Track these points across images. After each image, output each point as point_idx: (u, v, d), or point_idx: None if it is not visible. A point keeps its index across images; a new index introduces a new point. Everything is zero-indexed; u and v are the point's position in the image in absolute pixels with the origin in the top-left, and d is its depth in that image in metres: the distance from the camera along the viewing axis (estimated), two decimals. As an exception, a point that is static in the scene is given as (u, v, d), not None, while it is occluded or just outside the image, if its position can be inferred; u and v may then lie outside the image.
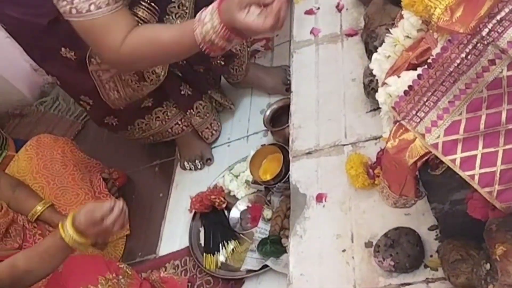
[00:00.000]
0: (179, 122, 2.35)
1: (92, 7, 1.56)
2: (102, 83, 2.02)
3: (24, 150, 2.18)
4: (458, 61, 1.10)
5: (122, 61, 1.69)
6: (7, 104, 3.21)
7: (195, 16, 1.63)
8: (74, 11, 1.57)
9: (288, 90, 2.25)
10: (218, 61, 2.26)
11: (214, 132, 2.44)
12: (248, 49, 2.36)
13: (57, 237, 1.60)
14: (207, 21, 1.52)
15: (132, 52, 1.64)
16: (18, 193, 2.02)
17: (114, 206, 1.61)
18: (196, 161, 2.41)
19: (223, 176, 2.25)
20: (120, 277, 1.83)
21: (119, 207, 1.61)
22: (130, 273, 1.91)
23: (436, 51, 1.15)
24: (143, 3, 1.90)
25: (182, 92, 2.29)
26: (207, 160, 2.41)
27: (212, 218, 2.16)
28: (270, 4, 1.42)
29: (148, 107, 2.24)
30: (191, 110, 2.33)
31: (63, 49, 1.93)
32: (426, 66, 1.15)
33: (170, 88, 2.25)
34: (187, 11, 2.05)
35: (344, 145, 1.77)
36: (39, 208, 1.99)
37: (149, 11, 1.92)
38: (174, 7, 2.02)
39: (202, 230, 2.17)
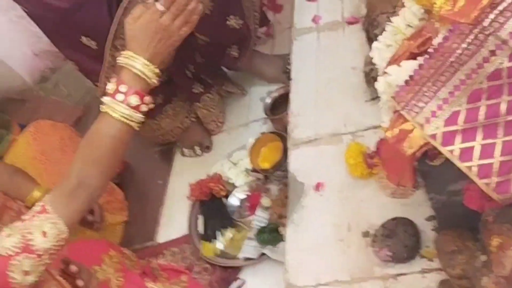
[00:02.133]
0: (187, 115, 2.35)
1: None
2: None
3: (23, 136, 2.18)
4: (459, 51, 1.09)
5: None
6: (8, 89, 3.20)
7: None
8: None
9: (289, 78, 2.23)
10: (232, 53, 2.26)
11: (219, 124, 2.44)
12: (255, 36, 2.34)
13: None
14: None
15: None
16: (15, 179, 2.01)
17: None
18: (196, 148, 2.40)
19: (222, 164, 2.24)
20: (125, 259, 1.84)
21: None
22: (133, 259, 1.92)
23: (437, 40, 1.14)
24: None
25: (194, 91, 2.29)
26: (206, 148, 2.40)
27: (210, 205, 2.16)
28: None
29: (159, 104, 2.22)
30: (198, 103, 2.33)
31: (84, 37, 1.90)
32: (427, 56, 1.14)
33: (182, 87, 2.27)
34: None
35: (343, 134, 1.77)
36: (36, 193, 1.97)
37: None
38: None
39: (200, 217, 2.17)
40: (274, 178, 2.03)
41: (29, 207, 1.97)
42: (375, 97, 1.73)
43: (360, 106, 1.79)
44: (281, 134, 2.07)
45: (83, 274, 1.52)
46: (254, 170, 2.12)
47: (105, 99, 1.36)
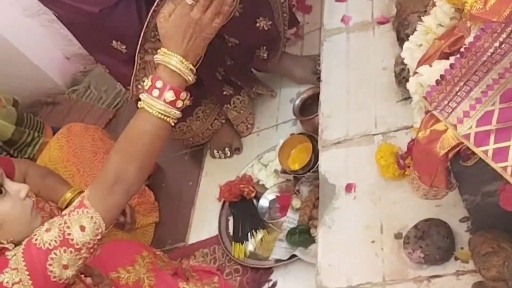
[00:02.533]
0: (217, 117, 2.37)
1: None
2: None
3: (56, 139, 2.21)
4: (491, 50, 1.08)
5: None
6: (40, 92, 3.26)
7: None
8: None
9: (319, 79, 2.22)
10: (262, 54, 2.26)
11: (249, 126, 2.44)
12: (285, 37, 2.34)
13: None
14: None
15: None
16: (48, 181, 2.04)
17: None
18: (226, 149, 2.41)
19: (252, 165, 2.25)
20: (157, 260, 1.86)
21: None
22: (165, 260, 1.94)
23: (469, 40, 1.13)
24: None
25: (225, 93, 2.31)
26: (236, 150, 2.41)
27: (241, 207, 2.17)
28: None
29: (189, 106, 2.22)
30: (228, 105, 2.34)
31: (114, 41, 1.91)
32: (458, 55, 1.13)
33: (213, 90, 2.28)
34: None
35: (374, 134, 1.75)
36: (68, 195, 2.01)
37: None
38: None
39: (231, 219, 2.18)
40: (304, 179, 2.03)
41: (61, 209, 2.01)
42: (406, 97, 1.72)
43: (391, 107, 1.77)
44: (310, 135, 2.07)
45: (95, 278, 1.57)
46: (284, 172, 2.12)
47: (142, 95, 1.36)
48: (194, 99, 2.20)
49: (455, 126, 1.10)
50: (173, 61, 1.35)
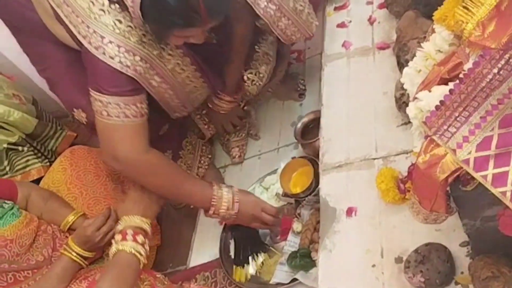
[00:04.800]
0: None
1: (121, 115, 1.77)
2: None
3: (59, 162, 2.22)
4: (490, 76, 1.09)
5: (140, 166, 1.86)
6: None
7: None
8: (105, 113, 1.77)
9: (301, 96, 2.46)
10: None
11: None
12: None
13: (64, 259, 1.84)
14: (223, 208, 1.94)
15: (156, 163, 1.87)
16: (50, 204, 2.05)
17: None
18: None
19: (254, 188, 2.26)
20: (157, 282, 1.87)
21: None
22: (166, 283, 1.94)
23: (468, 66, 1.14)
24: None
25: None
26: None
27: (242, 230, 2.16)
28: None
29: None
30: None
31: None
32: (457, 81, 1.14)
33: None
34: (270, 59, 2.24)
35: (374, 159, 1.76)
36: (71, 217, 2.01)
37: None
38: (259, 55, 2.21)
39: (232, 242, 2.18)
40: (305, 203, 2.03)
41: (63, 231, 2.01)
42: (407, 122, 1.73)
43: (391, 131, 1.79)
44: (312, 159, 2.08)
45: None
46: (285, 195, 2.13)
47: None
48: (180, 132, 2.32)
49: (454, 151, 1.11)
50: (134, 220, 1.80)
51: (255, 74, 2.25)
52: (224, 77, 2.16)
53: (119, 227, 1.81)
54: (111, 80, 1.77)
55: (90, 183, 2.18)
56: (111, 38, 1.71)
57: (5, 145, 2.48)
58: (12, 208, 1.94)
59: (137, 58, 1.75)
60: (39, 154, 2.59)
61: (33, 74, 3.04)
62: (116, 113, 1.77)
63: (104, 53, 1.72)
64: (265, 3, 1.84)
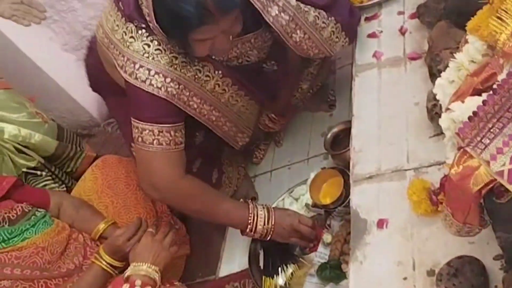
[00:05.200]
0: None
1: (155, 142, 1.82)
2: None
3: (90, 171, 2.25)
4: (524, 87, 1.07)
5: (176, 193, 1.91)
6: (76, 124, 3.33)
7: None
8: (140, 139, 1.83)
9: (332, 107, 2.46)
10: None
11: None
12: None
13: (94, 268, 1.88)
14: (260, 224, 1.97)
15: (191, 189, 1.92)
16: (82, 213, 2.08)
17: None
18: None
19: (283, 199, 2.25)
20: None
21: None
22: None
23: (501, 76, 1.12)
24: None
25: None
26: (252, 199, 2.41)
27: (271, 240, 2.16)
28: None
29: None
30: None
31: None
32: (491, 92, 1.13)
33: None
34: (313, 77, 2.35)
35: (406, 170, 1.74)
36: (102, 226, 2.04)
37: None
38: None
39: (261, 252, 2.17)
40: (335, 214, 2.02)
41: (94, 240, 2.03)
42: (439, 133, 1.71)
43: (423, 142, 1.76)
44: (342, 169, 2.07)
45: None
46: (315, 206, 2.12)
47: None
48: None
49: (488, 162, 1.09)
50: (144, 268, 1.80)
51: (297, 90, 2.32)
52: (277, 99, 2.21)
53: (128, 272, 1.81)
54: (146, 106, 1.81)
55: (121, 192, 2.21)
56: (141, 63, 1.77)
57: (24, 169, 2.48)
58: (44, 216, 1.98)
59: (168, 79, 1.78)
60: (57, 179, 2.59)
61: (67, 82, 3.14)
62: (150, 140, 1.81)
63: (136, 78, 1.77)
64: (277, 12, 1.83)
